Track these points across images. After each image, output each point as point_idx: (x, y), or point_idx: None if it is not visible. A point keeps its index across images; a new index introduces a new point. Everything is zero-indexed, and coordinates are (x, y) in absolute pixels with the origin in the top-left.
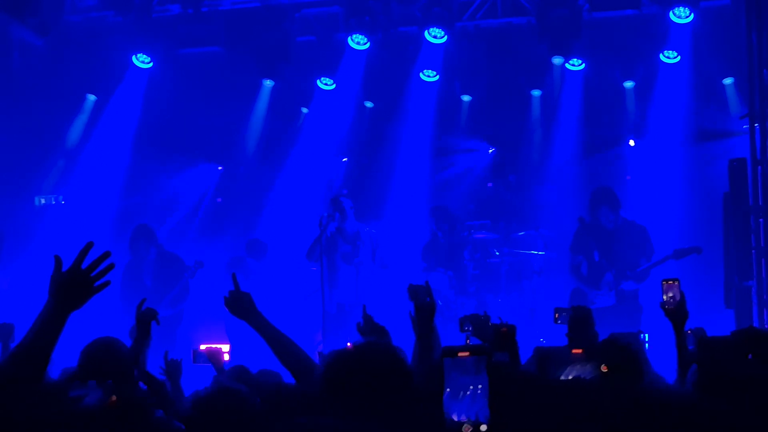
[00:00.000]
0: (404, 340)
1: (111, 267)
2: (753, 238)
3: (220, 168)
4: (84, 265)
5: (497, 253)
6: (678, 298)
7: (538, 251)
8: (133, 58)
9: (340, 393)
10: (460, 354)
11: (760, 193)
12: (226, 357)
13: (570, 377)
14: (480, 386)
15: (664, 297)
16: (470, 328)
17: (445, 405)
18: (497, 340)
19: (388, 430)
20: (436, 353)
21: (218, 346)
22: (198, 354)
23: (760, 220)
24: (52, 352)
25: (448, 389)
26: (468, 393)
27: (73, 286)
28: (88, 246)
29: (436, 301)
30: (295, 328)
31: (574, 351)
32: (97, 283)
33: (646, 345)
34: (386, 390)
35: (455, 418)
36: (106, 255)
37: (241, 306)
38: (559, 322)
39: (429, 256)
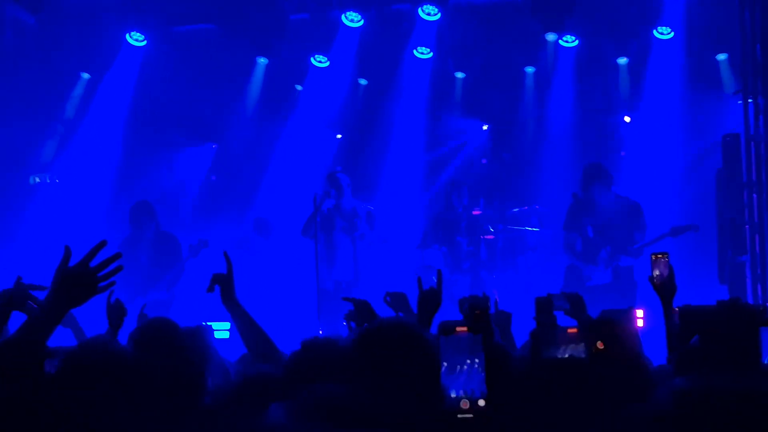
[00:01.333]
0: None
1: (119, 269)
2: (746, 213)
3: (214, 146)
4: (93, 264)
5: (492, 230)
6: (666, 272)
7: (533, 228)
8: (127, 36)
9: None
10: (457, 329)
11: (753, 169)
12: (223, 335)
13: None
14: (476, 361)
15: (653, 272)
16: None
17: (442, 380)
18: (471, 321)
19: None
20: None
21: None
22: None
23: (754, 195)
24: (46, 343)
25: (445, 364)
26: (464, 368)
27: (78, 284)
28: (101, 245)
29: (431, 278)
30: (291, 306)
31: (569, 330)
32: (102, 284)
33: (640, 322)
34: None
35: (453, 394)
36: (116, 256)
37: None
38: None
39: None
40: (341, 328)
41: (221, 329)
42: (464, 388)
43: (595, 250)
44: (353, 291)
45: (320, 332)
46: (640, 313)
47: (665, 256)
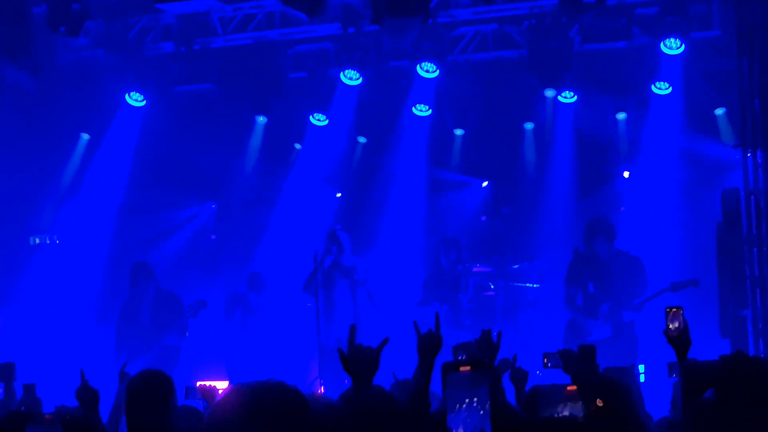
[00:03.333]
0: (400, 371)
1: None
2: (747, 267)
3: (213, 205)
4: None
5: (492, 286)
6: (681, 325)
7: (533, 283)
8: (127, 96)
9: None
10: (461, 368)
11: (753, 223)
12: None
13: (563, 415)
14: (476, 399)
15: (669, 325)
16: (463, 357)
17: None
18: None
19: None
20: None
21: (215, 383)
22: (191, 390)
23: (754, 249)
24: None
25: (448, 404)
26: (464, 406)
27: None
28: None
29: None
30: (291, 363)
31: (568, 388)
32: None
33: (642, 377)
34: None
35: None
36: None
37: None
38: (549, 366)
39: (431, 288)
40: (343, 384)
41: (221, 388)
42: (464, 424)
43: (596, 304)
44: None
45: (321, 387)
46: (641, 368)
47: (680, 309)
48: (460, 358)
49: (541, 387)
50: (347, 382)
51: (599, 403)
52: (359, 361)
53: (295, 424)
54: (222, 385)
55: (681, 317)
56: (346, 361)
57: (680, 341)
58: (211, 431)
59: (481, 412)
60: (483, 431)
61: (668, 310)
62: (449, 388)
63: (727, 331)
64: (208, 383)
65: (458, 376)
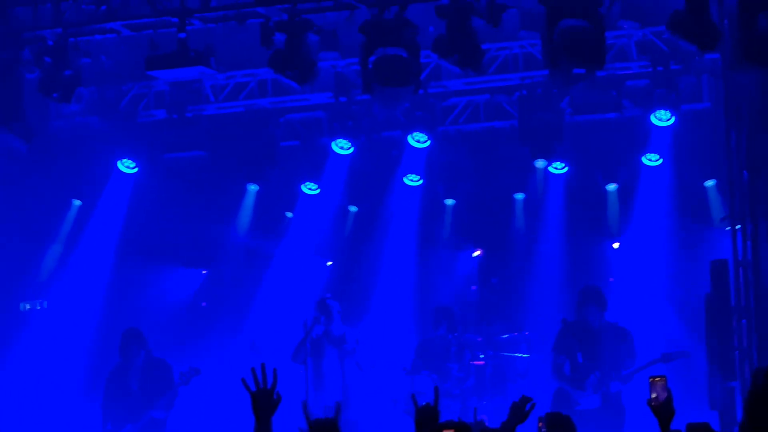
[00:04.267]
0: None
1: None
2: (735, 338)
3: (204, 272)
4: None
5: (482, 356)
6: (665, 395)
7: (523, 354)
8: (119, 163)
9: None
10: (445, 430)
11: (742, 294)
12: None
13: None
14: None
15: (652, 394)
16: None
17: None
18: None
19: None
20: None
21: None
22: None
23: (743, 320)
24: None
25: None
26: None
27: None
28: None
29: (419, 403)
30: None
31: None
32: None
33: None
34: None
35: None
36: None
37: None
38: (544, 430)
39: (423, 355)
40: None
41: None
42: None
43: (584, 374)
44: (342, 416)
45: None
46: None
47: (663, 379)
48: None
49: None
50: None
51: None
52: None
53: None
54: None
55: (665, 387)
56: None
57: (664, 411)
58: None
59: None
60: None
61: (652, 379)
62: None
63: (716, 402)
64: None
65: None
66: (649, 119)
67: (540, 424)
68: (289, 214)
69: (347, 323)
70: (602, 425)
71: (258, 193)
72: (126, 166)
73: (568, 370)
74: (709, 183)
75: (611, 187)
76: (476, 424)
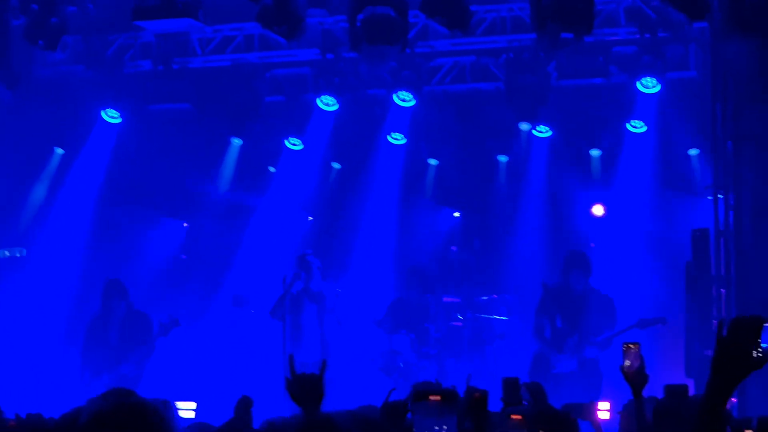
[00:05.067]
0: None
1: None
2: (714, 307)
3: (185, 224)
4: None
5: (460, 317)
6: (638, 362)
7: (501, 316)
8: (102, 113)
9: None
10: (431, 398)
11: (722, 263)
12: (189, 414)
13: None
14: (445, 428)
15: (625, 361)
16: None
17: None
18: (469, 406)
19: None
20: None
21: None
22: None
23: (722, 290)
24: None
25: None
26: None
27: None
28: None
29: (398, 363)
30: (257, 387)
31: (512, 416)
32: None
33: (607, 414)
34: None
35: None
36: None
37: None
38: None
39: (395, 315)
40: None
41: (187, 408)
42: None
43: (562, 338)
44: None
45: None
46: (605, 405)
47: (637, 346)
48: None
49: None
50: None
51: None
52: (303, 389)
53: None
54: (190, 405)
55: (638, 354)
56: (291, 391)
57: (636, 377)
58: None
59: None
60: None
61: (626, 346)
62: (418, 415)
63: (693, 370)
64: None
65: (427, 405)
66: (635, 86)
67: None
68: (272, 169)
69: (327, 279)
70: (578, 389)
71: (242, 147)
72: (110, 116)
73: (549, 334)
74: (693, 152)
75: (595, 152)
76: (468, 389)
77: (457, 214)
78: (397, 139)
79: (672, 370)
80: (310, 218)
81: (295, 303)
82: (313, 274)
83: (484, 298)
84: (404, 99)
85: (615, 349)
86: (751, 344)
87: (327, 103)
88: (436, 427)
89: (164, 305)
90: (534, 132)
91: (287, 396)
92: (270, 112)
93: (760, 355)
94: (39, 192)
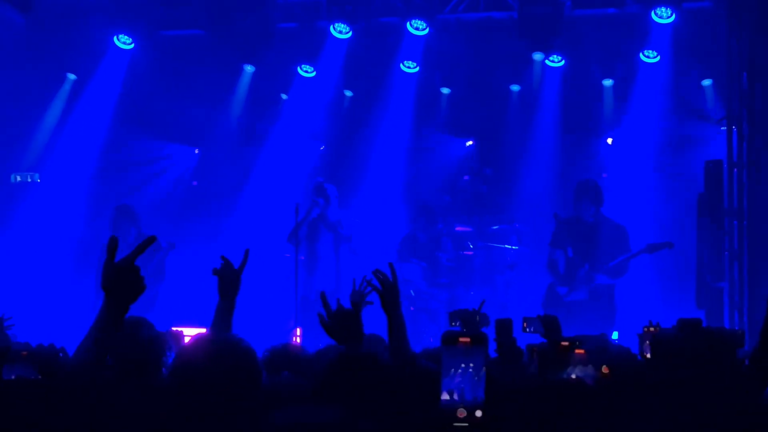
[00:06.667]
0: (377, 326)
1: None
2: (726, 239)
3: (197, 151)
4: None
5: (471, 246)
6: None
7: (512, 246)
8: (115, 38)
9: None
10: (461, 340)
11: (735, 196)
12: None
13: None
14: (472, 366)
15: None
16: (458, 323)
17: (443, 383)
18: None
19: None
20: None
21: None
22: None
23: (734, 222)
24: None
25: (443, 368)
26: (459, 371)
27: (124, 281)
28: (150, 240)
29: (408, 291)
30: (270, 314)
31: (577, 351)
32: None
33: None
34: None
35: (450, 399)
36: (152, 239)
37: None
38: (528, 330)
39: (405, 252)
40: (322, 336)
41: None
42: (458, 389)
43: (574, 269)
44: (334, 301)
45: (297, 338)
46: (614, 335)
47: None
48: (455, 323)
49: (546, 347)
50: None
51: (605, 370)
52: (344, 326)
53: (246, 378)
54: (195, 332)
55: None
56: (329, 328)
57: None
58: (172, 375)
59: (476, 379)
60: (476, 398)
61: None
62: (446, 355)
63: (703, 302)
64: (179, 329)
65: (457, 348)
66: (650, 16)
67: (525, 324)
68: (284, 96)
69: (342, 208)
70: (591, 317)
71: (254, 74)
72: (122, 42)
73: (562, 268)
74: (707, 82)
75: (608, 82)
76: (481, 316)
77: (469, 143)
78: (410, 67)
79: (682, 302)
80: (322, 147)
81: (312, 230)
82: (331, 202)
83: (495, 227)
84: (417, 27)
85: (627, 279)
86: None
87: (340, 30)
88: (463, 365)
89: (175, 231)
90: (547, 62)
91: (297, 321)
92: (282, 39)
93: None
94: (51, 117)
